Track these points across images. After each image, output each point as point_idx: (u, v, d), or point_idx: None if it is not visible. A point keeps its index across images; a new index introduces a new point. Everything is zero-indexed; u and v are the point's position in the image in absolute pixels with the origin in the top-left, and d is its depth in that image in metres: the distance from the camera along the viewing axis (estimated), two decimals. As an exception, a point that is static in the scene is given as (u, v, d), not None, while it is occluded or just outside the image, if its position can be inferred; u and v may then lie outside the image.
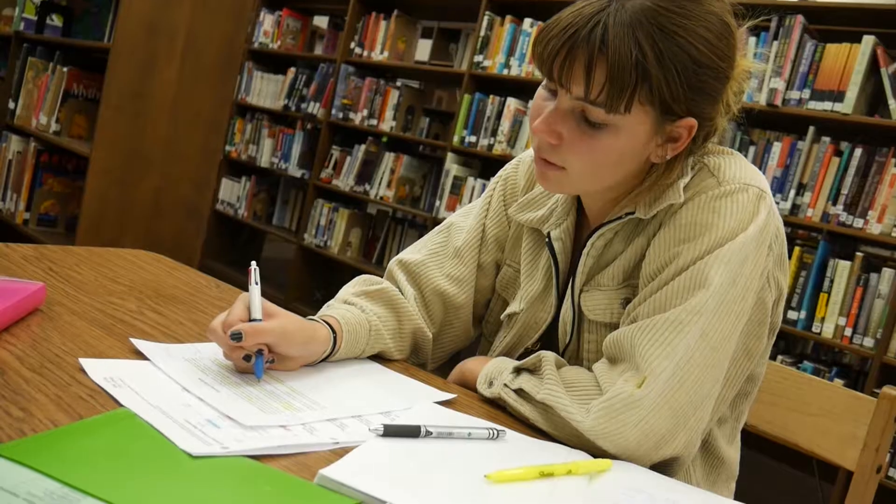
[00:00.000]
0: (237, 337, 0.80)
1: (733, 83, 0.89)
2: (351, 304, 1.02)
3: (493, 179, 1.15)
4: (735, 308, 0.87)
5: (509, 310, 1.08)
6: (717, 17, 0.85)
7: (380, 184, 4.04)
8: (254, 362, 0.82)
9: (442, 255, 1.11)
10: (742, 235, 0.86)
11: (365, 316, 0.99)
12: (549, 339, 1.04)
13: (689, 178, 0.91)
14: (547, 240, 1.03)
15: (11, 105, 3.40)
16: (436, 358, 1.12)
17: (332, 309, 0.99)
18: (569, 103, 0.86)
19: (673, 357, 0.83)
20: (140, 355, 0.83)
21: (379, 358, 1.01)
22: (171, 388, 0.76)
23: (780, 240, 0.93)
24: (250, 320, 0.83)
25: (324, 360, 0.93)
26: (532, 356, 0.92)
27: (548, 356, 0.91)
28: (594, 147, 0.86)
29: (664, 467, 0.86)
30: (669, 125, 0.87)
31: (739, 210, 0.87)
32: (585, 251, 0.97)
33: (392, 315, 1.03)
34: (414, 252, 1.12)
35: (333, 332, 0.93)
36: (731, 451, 1.02)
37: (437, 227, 1.15)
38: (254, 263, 0.88)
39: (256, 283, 0.86)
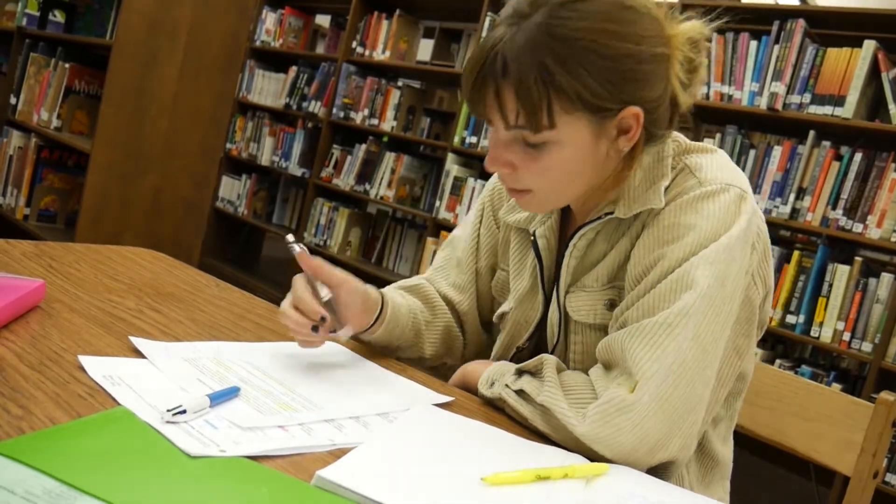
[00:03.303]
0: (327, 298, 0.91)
1: (676, 53, 0.88)
2: (391, 293, 1.08)
3: (484, 188, 1.18)
4: (724, 308, 0.87)
5: (501, 309, 1.10)
6: (616, 4, 0.84)
7: (380, 183, 4.04)
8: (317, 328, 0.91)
9: (446, 267, 1.16)
10: (726, 236, 0.87)
11: (406, 302, 1.07)
12: (540, 342, 1.04)
13: (669, 179, 0.91)
14: (532, 238, 1.03)
15: (13, 100, 3.40)
16: (464, 362, 1.15)
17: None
18: (503, 133, 0.88)
19: (664, 360, 0.83)
20: (139, 353, 0.83)
21: (379, 358, 1.02)
22: (170, 387, 0.76)
23: (762, 238, 0.93)
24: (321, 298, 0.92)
25: (369, 329, 1.00)
26: (534, 359, 0.93)
27: (549, 359, 0.91)
28: (544, 166, 0.87)
29: (659, 471, 0.86)
30: (610, 121, 0.87)
31: (721, 211, 0.88)
32: (568, 252, 0.98)
33: (427, 308, 1.11)
34: (428, 272, 1.19)
35: (381, 298, 1.01)
36: (725, 451, 1.03)
37: (442, 245, 1.20)
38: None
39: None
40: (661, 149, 0.94)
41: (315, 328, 0.90)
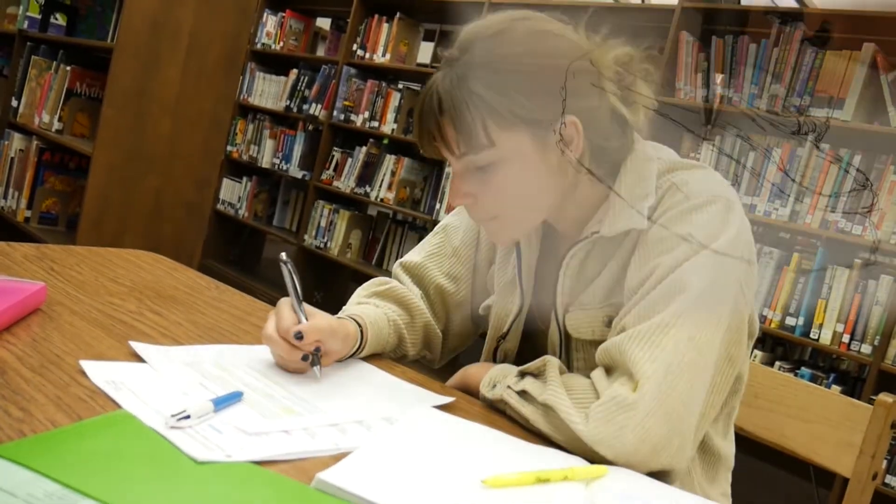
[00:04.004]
0: (300, 336, 0.87)
1: (604, 70, 0.90)
2: (365, 304, 1.08)
3: None
4: (716, 313, 0.88)
5: (486, 301, 1.12)
6: (530, 31, 0.90)
7: (380, 186, 4.04)
8: (311, 361, 0.89)
9: (440, 254, 1.15)
10: (716, 245, 0.88)
11: (382, 311, 1.06)
12: (526, 344, 1.06)
13: (654, 199, 0.93)
14: None
15: (14, 103, 3.40)
16: (444, 355, 1.17)
17: (351, 309, 1.06)
18: (456, 165, 0.93)
19: (663, 360, 0.84)
20: (140, 357, 0.83)
21: (378, 360, 1.02)
22: (172, 392, 0.76)
23: (750, 248, 0.94)
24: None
25: (352, 355, 0.99)
26: (537, 360, 0.93)
27: (552, 361, 0.92)
28: (497, 185, 0.91)
29: (661, 475, 0.86)
30: (550, 132, 0.89)
31: (711, 221, 0.89)
32: (562, 272, 0.99)
33: (404, 310, 1.10)
34: (414, 254, 1.17)
35: (360, 327, 0.99)
36: (727, 445, 1.04)
37: (433, 230, 1.19)
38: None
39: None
40: (643, 169, 0.95)
41: (305, 357, 0.88)
